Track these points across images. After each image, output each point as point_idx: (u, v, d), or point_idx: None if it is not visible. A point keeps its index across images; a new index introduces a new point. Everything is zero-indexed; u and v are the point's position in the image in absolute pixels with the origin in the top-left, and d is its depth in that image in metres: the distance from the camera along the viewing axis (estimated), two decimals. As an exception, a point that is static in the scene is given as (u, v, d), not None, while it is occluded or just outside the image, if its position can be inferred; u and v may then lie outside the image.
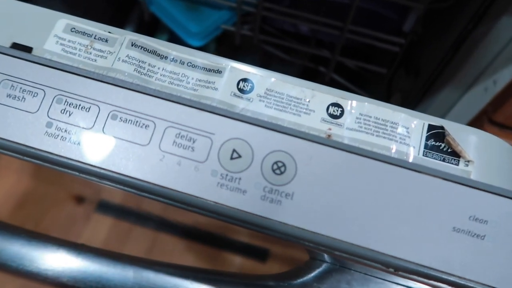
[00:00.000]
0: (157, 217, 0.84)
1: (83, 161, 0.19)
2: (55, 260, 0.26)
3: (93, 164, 0.19)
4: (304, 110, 0.22)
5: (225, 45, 0.64)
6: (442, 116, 0.47)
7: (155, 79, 0.22)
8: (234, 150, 0.19)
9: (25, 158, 0.19)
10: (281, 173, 0.19)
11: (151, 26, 0.65)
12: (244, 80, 0.22)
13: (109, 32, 0.23)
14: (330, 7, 0.48)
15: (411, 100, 0.54)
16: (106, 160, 0.19)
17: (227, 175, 0.19)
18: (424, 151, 0.21)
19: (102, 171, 0.19)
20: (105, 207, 0.86)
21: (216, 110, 0.20)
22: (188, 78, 0.23)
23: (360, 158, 0.19)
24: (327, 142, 0.19)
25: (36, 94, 0.20)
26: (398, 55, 0.48)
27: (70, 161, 0.19)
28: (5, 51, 0.20)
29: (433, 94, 0.49)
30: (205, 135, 0.19)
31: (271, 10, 0.48)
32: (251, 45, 0.55)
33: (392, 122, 0.22)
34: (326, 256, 0.25)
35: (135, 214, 0.85)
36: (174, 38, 0.60)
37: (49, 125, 0.19)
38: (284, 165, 0.19)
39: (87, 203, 0.86)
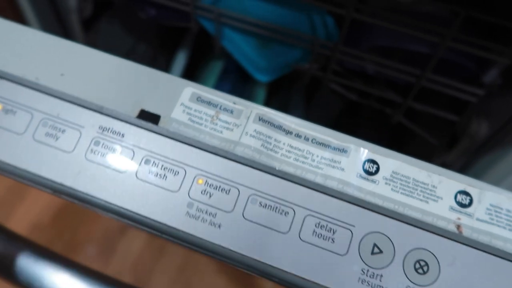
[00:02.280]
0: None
1: (223, 245, 0.19)
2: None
3: (232, 249, 0.19)
4: (432, 197, 0.22)
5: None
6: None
7: (281, 155, 0.22)
8: (375, 245, 0.19)
9: (163, 235, 0.20)
10: (424, 272, 0.18)
11: (204, 51, 0.65)
12: (370, 161, 0.22)
13: (234, 103, 0.24)
14: (407, 53, 0.48)
15: (480, 146, 0.53)
16: (247, 246, 0.19)
17: (368, 270, 0.18)
18: (561, 250, 0.20)
19: (243, 257, 0.19)
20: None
21: (355, 201, 0.19)
22: (313, 155, 0.23)
23: (506, 262, 0.18)
24: (472, 243, 0.19)
25: (177, 172, 0.20)
26: (473, 104, 0.47)
27: (211, 245, 0.19)
28: (147, 127, 0.21)
29: (507, 143, 0.48)
30: (345, 226, 0.19)
31: (346, 54, 0.48)
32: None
33: (524, 216, 0.21)
34: None
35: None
36: (231, 67, 0.60)
37: (190, 205, 0.20)
38: (426, 264, 0.18)
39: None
